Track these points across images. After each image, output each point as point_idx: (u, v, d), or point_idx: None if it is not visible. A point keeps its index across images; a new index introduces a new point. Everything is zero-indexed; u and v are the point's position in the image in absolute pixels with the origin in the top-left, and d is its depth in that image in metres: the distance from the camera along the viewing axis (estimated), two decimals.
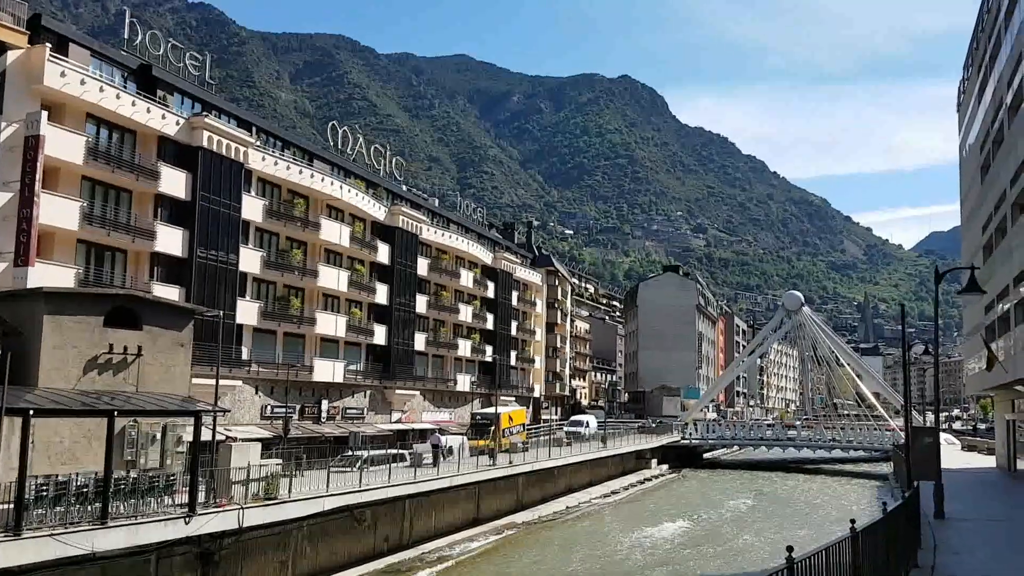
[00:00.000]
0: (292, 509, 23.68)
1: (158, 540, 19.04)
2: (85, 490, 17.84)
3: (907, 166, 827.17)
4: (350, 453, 32.77)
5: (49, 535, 16.48)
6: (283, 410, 42.38)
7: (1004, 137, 32.97)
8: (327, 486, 25.71)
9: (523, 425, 50.59)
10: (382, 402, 53.36)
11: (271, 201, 43.99)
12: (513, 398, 71.88)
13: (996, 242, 35.44)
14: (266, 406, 43.20)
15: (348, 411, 49.62)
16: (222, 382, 39.72)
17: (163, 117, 37.45)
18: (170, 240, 37.45)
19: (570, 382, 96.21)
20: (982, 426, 76.92)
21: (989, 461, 46.00)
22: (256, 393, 42.91)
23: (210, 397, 39.21)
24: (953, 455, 50.26)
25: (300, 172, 45.56)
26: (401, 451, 38.53)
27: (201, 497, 21.25)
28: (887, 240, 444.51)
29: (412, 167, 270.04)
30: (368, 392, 51.96)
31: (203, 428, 25.93)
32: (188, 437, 24.98)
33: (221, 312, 29.65)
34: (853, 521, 6.89)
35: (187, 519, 19.77)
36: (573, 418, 63.83)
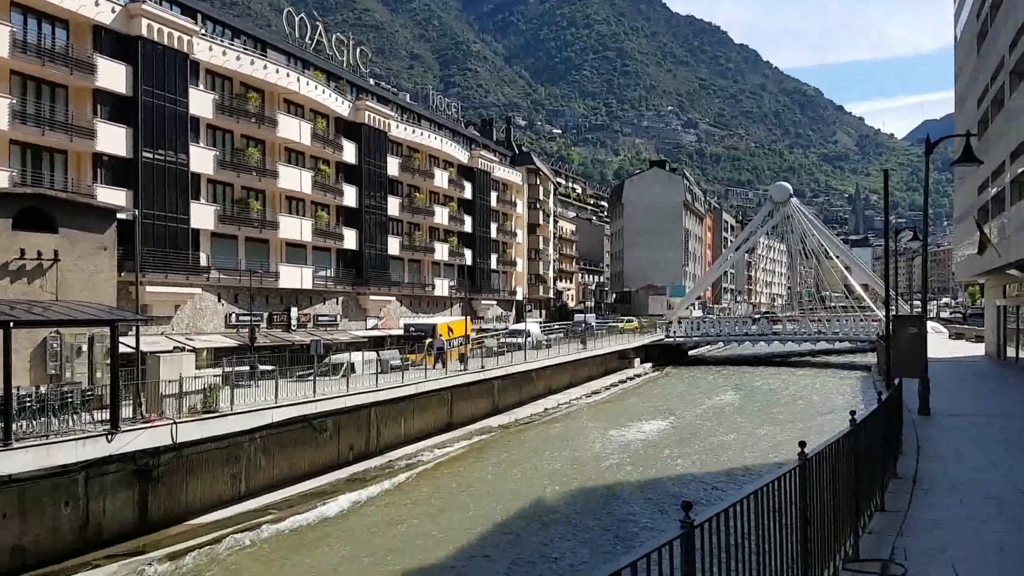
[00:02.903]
0: (235, 422, 22.18)
1: (75, 460, 17.52)
2: None
3: (902, 53, 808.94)
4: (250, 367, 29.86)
5: None
6: (248, 318, 40.65)
7: None
8: (275, 397, 24.12)
9: (466, 337, 45.58)
10: (356, 308, 51.74)
11: (222, 96, 41.08)
12: (495, 302, 70.53)
13: (992, 115, 32.96)
14: (231, 314, 41.53)
15: (320, 318, 48.02)
16: (180, 290, 38.21)
17: (97, 4, 34.43)
18: (112, 139, 35.02)
19: (555, 284, 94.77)
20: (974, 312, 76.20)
21: (978, 349, 45.01)
22: (219, 301, 41.16)
23: (166, 306, 38.08)
24: (940, 343, 49.30)
25: (252, 63, 42.40)
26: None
27: (128, 413, 19.69)
28: (879, 130, 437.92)
29: (393, 66, 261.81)
30: (341, 299, 50.26)
31: (143, 338, 24.30)
32: (124, 348, 23.31)
33: (137, 212, 26.89)
34: (803, 445, 5.06)
35: (109, 437, 18.20)
36: (511, 327, 57.69)
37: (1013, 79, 28.48)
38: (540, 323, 65.62)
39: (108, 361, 21.54)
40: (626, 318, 76.77)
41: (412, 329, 44.39)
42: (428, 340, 40.50)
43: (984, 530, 8.02)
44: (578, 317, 73.93)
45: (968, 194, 39.73)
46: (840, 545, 6.57)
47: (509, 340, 48.39)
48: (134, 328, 34.84)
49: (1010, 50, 28.72)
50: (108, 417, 18.59)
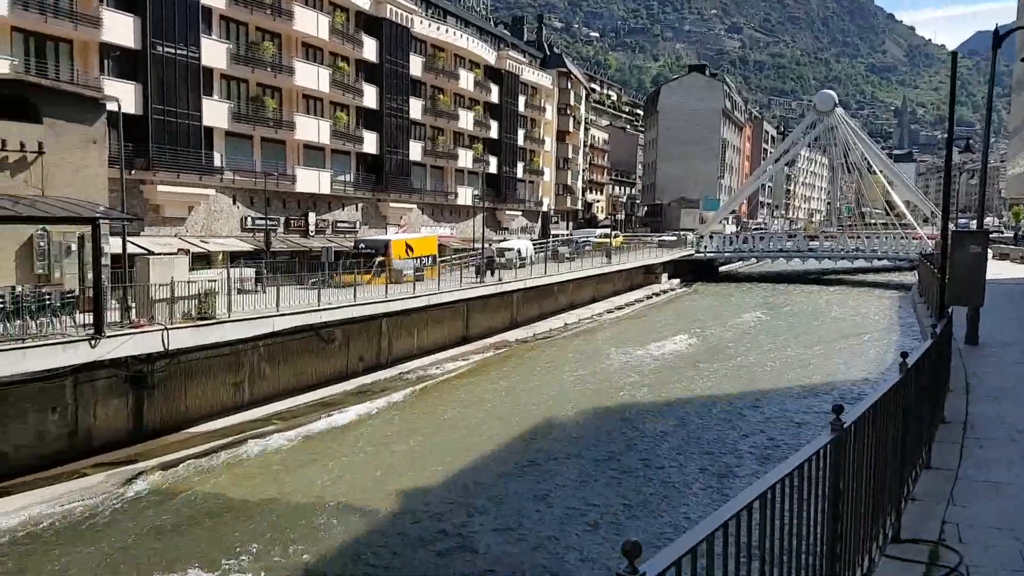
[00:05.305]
0: (232, 330, 21.16)
1: (55, 366, 16.62)
2: None
3: None
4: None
5: None
6: (264, 222, 39.49)
7: None
8: (277, 305, 23.03)
9: (432, 257, 39.34)
10: (376, 216, 50.30)
11: None
12: (520, 212, 68.65)
13: None
14: (246, 218, 40.37)
15: (339, 225, 46.69)
16: (193, 190, 37.01)
17: None
18: (119, 28, 33.33)
19: (584, 195, 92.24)
20: None
21: (1021, 271, 42.60)
22: (234, 204, 39.96)
23: (179, 207, 36.97)
24: None
25: None
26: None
27: (116, 317, 18.69)
28: (930, 40, 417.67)
29: None
30: (360, 205, 48.79)
31: (156, 239, 23.10)
32: (118, 249, 22.28)
33: (120, 104, 23.85)
34: (839, 411, 3.60)
35: (93, 342, 17.23)
36: (498, 245, 48.25)
37: None
38: (533, 240, 61.33)
39: (103, 263, 20.50)
40: (613, 233, 71.88)
41: (362, 245, 37.94)
42: (379, 259, 34.95)
43: None
44: (579, 234, 70.53)
45: None
46: (879, 526, 5.15)
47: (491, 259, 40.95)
48: (142, 228, 34.40)
49: None
50: (92, 321, 17.58)
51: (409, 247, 37.73)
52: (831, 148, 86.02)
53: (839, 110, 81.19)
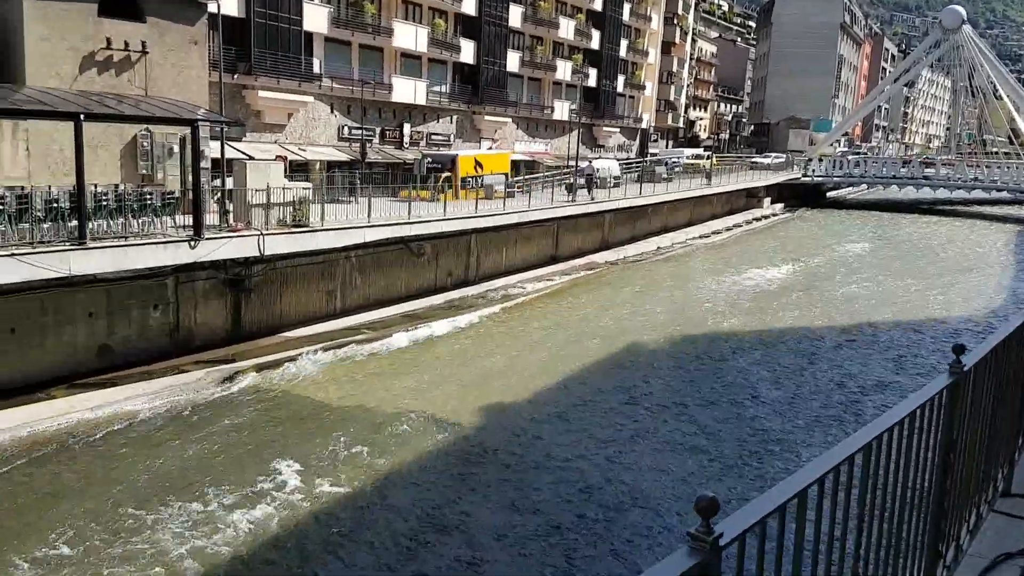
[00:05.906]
0: (325, 238, 21.49)
1: (156, 265, 17.24)
2: (55, 206, 15.68)
3: None
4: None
5: (10, 255, 14.62)
6: (360, 132, 39.68)
7: None
8: (368, 216, 23.20)
9: (505, 175, 37.87)
10: (470, 129, 49.80)
11: None
12: (617, 129, 66.79)
13: None
14: (343, 127, 40.60)
15: (433, 137, 46.49)
16: (293, 97, 37.37)
17: None
18: None
19: (686, 113, 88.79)
20: None
21: None
22: (332, 112, 40.18)
23: (279, 114, 37.46)
24: None
25: None
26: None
27: (214, 220, 19.18)
28: None
29: None
30: (455, 117, 48.35)
31: (256, 145, 23.49)
32: (216, 154, 22.72)
33: (220, 5, 24.06)
34: (959, 351, 3.18)
35: (192, 243, 17.75)
36: (591, 163, 43.92)
37: None
38: (622, 160, 58.66)
39: (203, 165, 20.95)
40: (707, 154, 66.16)
41: (429, 160, 36.59)
42: (445, 174, 34.06)
43: None
44: (667, 154, 66.82)
45: None
46: (990, 479, 4.67)
47: (580, 182, 38.43)
48: (243, 133, 35.06)
49: None
50: (191, 223, 18.09)
51: (478, 163, 36.92)
52: (955, 69, 79.86)
53: (966, 28, 74.81)
